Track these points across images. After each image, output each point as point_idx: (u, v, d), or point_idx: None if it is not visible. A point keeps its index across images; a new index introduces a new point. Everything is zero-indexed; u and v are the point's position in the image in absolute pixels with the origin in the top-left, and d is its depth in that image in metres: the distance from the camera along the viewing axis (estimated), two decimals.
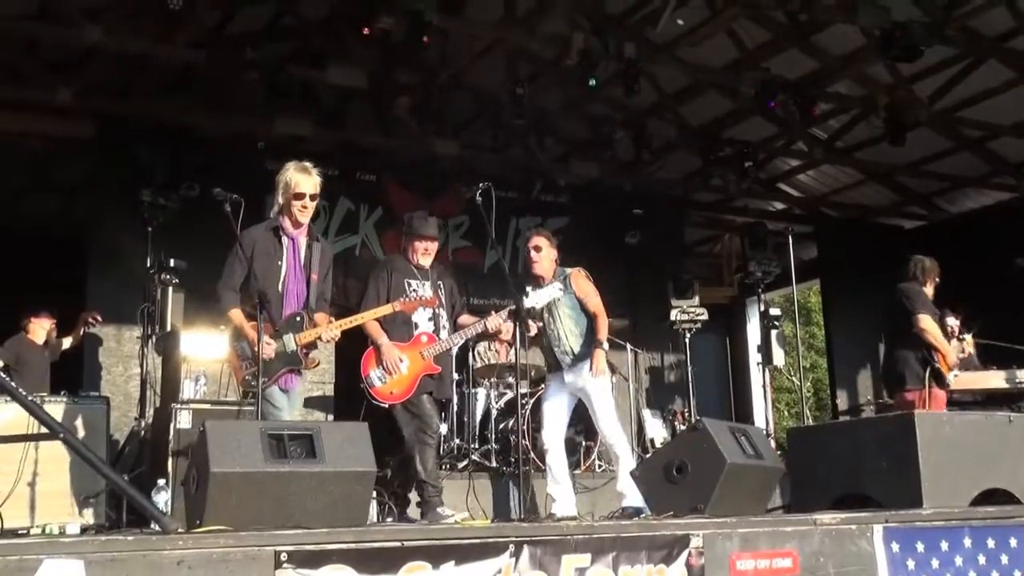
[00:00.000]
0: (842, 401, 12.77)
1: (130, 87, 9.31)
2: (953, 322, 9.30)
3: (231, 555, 3.36)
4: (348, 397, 6.86)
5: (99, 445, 6.74)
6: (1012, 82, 9.93)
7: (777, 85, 9.26)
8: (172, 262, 7.98)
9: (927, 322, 7.21)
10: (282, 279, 5.49)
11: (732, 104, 10.73)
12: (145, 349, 7.91)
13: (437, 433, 6.20)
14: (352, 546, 3.57)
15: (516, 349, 5.68)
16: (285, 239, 5.54)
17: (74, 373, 8.85)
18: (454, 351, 6.85)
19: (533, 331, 6.49)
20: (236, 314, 5.39)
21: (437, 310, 6.30)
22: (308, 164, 5.63)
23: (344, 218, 10.56)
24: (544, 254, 6.82)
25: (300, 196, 5.50)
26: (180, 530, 3.58)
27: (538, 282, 6.73)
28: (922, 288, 7.46)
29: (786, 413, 27.02)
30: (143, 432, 7.70)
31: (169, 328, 7.90)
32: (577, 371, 6.71)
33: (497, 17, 8.80)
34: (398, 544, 3.66)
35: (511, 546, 3.82)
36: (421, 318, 6.22)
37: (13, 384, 3.54)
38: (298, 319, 5.44)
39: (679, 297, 10.73)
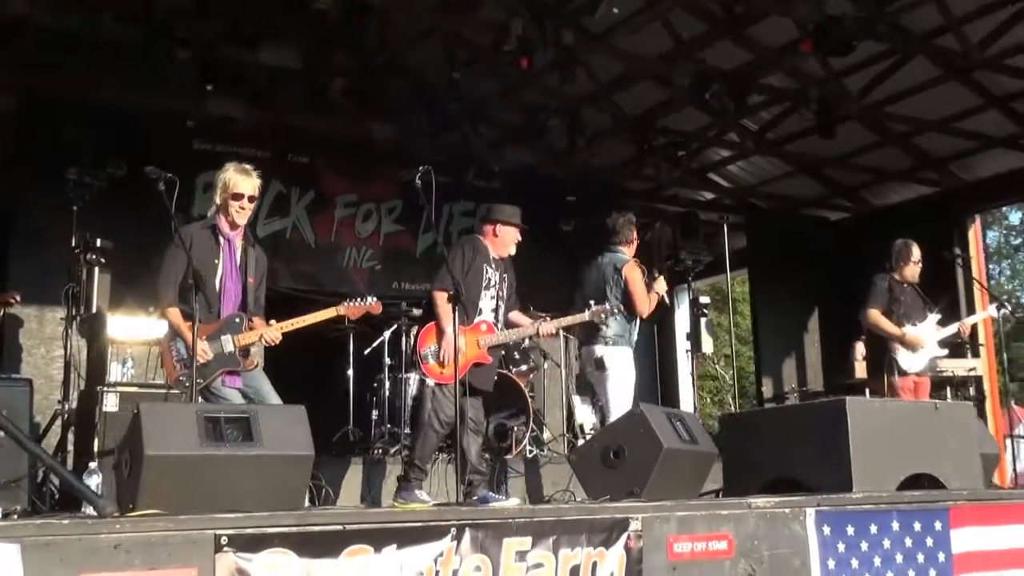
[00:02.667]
0: (767, 389, 12.99)
1: (56, 62, 9.05)
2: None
3: (170, 539, 3.32)
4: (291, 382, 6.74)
5: (21, 428, 6.56)
6: (938, 79, 10.14)
7: (713, 76, 9.34)
8: (99, 242, 7.78)
9: (869, 316, 7.40)
10: (219, 277, 5.45)
11: (666, 94, 10.81)
12: (69, 331, 7.72)
13: (448, 424, 6.11)
14: (293, 529, 3.55)
15: (455, 337, 5.68)
16: (221, 239, 5.51)
17: None
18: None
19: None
20: (174, 313, 5.33)
21: (500, 302, 6.37)
22: (248, 166, 5.67)
23: (275, 200, 10.40)
24: None
25: (238, 196, 5.50)
26: (116, 513, 3.50)
27: None
28: (889, 275, 7.59)
29: (708, 400, 27.41)
30: (66, 415, 7.52)
31: (95, 310, 7.71)
32: None
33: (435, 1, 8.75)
34: (339, 528, 3.65)
35: (453, 529, 3.83)
36: (486, 305, 6.28)
37: None
38: (237, 320, 5.39)
39: None
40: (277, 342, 5.45)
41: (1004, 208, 26.73)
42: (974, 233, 12.34)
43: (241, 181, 5.52)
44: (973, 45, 9.21)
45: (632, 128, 11.28)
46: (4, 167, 9.33)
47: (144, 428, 4.06)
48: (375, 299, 5.90)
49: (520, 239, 6.50)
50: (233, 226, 5.53)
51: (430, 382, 6.14)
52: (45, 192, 8.70)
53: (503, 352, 9.12)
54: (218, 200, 5.56)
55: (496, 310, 6.35)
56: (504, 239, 6.41)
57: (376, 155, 10.98)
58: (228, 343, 5.31)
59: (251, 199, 5.56)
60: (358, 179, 10.89)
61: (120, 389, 6.80)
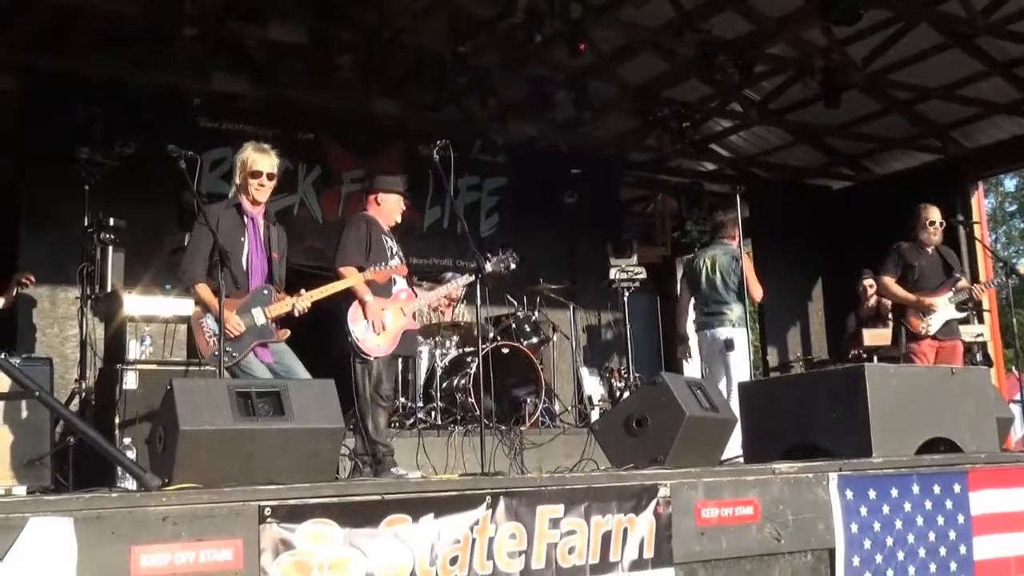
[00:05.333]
0: (772, 358, 13.06)
1: (61, 40, 9.03)
2: (869, 282, 9.63)
3: (215, 511, 3.37)
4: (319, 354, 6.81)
5: (44, 408, 6.61)
6: (941, 46, 10.18)
7: (717, 46, 9.34)
8: (112, 221, 7.79)
9: (881, 283, 7.46)
10: (246, 254, 5.56)
11: (669, 65, 10.81)
12: (85, 310, 7.75)
13: (390, 394, 6.31)
14: (334, 500, 3.60)
15: (477, 308, 5.76)
16: (245, 217, 5.63)
17: (5, 335, 8.63)
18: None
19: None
20: (203, 289, 5.41)
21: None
22: (266, 145, 5.81)
23: (282, 177, 10.36)
24: None
25: (257, 174, 5.63)
26: (161, 487, 3.56)
27: None
28: (907, 242, 7.64)
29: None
30: (83, 394, 7.57)
31: (110, 288, 7.74)
32: None
33: None
34: (379, 498, 3.70)
35: (488, 498, 3.89)
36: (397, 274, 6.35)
37: None
38: (265, 292, 5.48)
39: (618, 256, 10.82)
40: (307, 311, 5.52)
41: (1000, 175, 26.79)
42: (977, 200, 12.40)
43: (259, 159, 5.64)
44: (977, 11, 9.24)
45: (636, 100, 11.29)
46: (12, 147, 9.30)
47: (178, 403, 4.10)
48: (399, 262, 6.00)
49: (404, 207, 6.57)
50: (254, 203, 5.65)
51: (368, 358, 6.17)
52: (55, 172, 8.70)
53: (513, 324, 9.22)
54: (238, 180, 5.69)
55: (405, 276, 6.50)
56: (386, 208, 6.48)
57: (381, 130, 11.00)
58: (259, 315, 5.41)
59: (270, 176, 5.68)
60: (363, 154, 10.90)
61: (139, 367, 6.83)
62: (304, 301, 5.51)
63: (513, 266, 6.63)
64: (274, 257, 5.64)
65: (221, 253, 5.10)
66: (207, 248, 5.32)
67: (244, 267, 5.49)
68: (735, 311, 7.72)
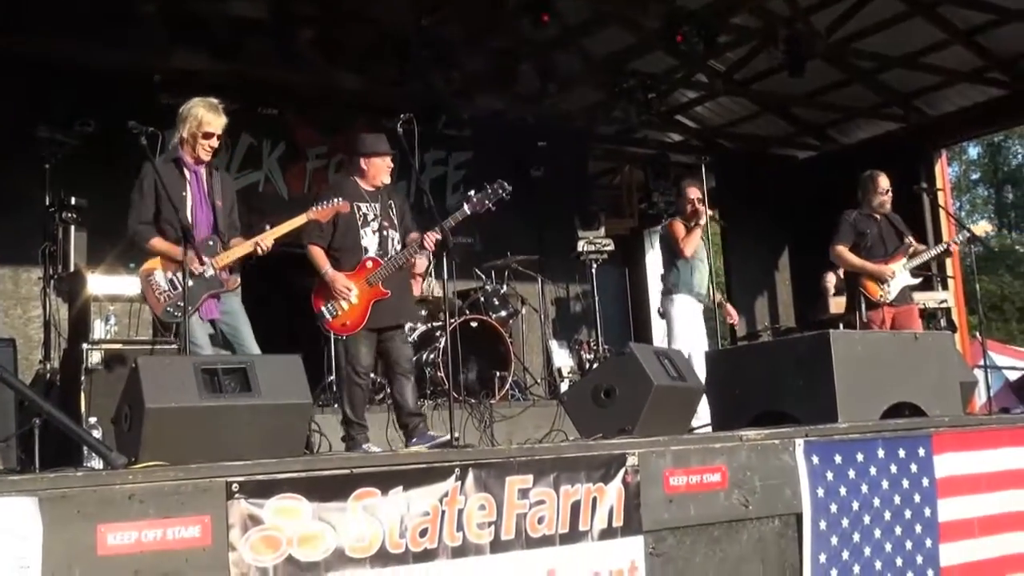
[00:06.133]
0: (740, 327, 13.12)
1: (19, 19, 8.87)
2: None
3: (182, 488, 3.36)
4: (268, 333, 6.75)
5: (8, 388, 6.53)
6: (903, 15, 10.22)
7: (682, 17, 9.33)
8: (73, 200, 7.70)
9: (835, 252, 7.47)
10: (190, 208, 5.50)
11: (634, 37, 10.78)
12: (48, 290, 7.66)
13: (367, 373, 6.15)
14: (302, 475, 3.60)
15: (445, 281, 5.72)
16: (187, 171, 5.56)
17: None
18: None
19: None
20: (159, 242, 5.39)
21: (386, 232, 6.21)
22: (216, 101, 5.65)
23: (246, 153, 10.32)
24: None
25: (209, 136, 5.55)
26: (127, 465, 3.54)
27: None
28: (856, 210, 7.64)
29: None
30: (49, 374, 7.50)
31: (73, 268, 7.66)
32: None
33: None
34: (347, 472, 3.70)
35: (457, 470, 3.90)
36: (370, 243, 6.14)
37: None
38: (211, 243, 5.46)
39: (585, 228, 10.84)
40: (255, 255, 5.54)
41: (964, 143, 27.08)
42: (940, 167, 12.51)
43: (214, 120, 5.55)
44: None
45: (601, 72, 11.26)
46: None
47: (143, 381, 4.07)
48: (342, 199, 5.87)
49: (391, 164, 6.37)
50: (199, 161, 5.59)
51: (342, 338, 6.12)
52: (14, 152, 8.56)
53: (482, 298, 9.21)
54: (185, 134, 5.55)
55: (384, 242, 6.20)
56: (372, 170, 6.28)
57: (345, 106, 10.90)
58: (207, 267, 5.40)
59: (219, 138, 5.62)
60: (328, 130, 10.81)
61: (104, 346, 6.76)
62: (247, 247, 5.51)
63: (504, 196, 6.32)
64: (218, 205, 5.58)
65: (183, 228, 5.07)
66: (151, 204, 5.37)
67: (189, 221, 5.42)
68: (669, 278, 8.04)
